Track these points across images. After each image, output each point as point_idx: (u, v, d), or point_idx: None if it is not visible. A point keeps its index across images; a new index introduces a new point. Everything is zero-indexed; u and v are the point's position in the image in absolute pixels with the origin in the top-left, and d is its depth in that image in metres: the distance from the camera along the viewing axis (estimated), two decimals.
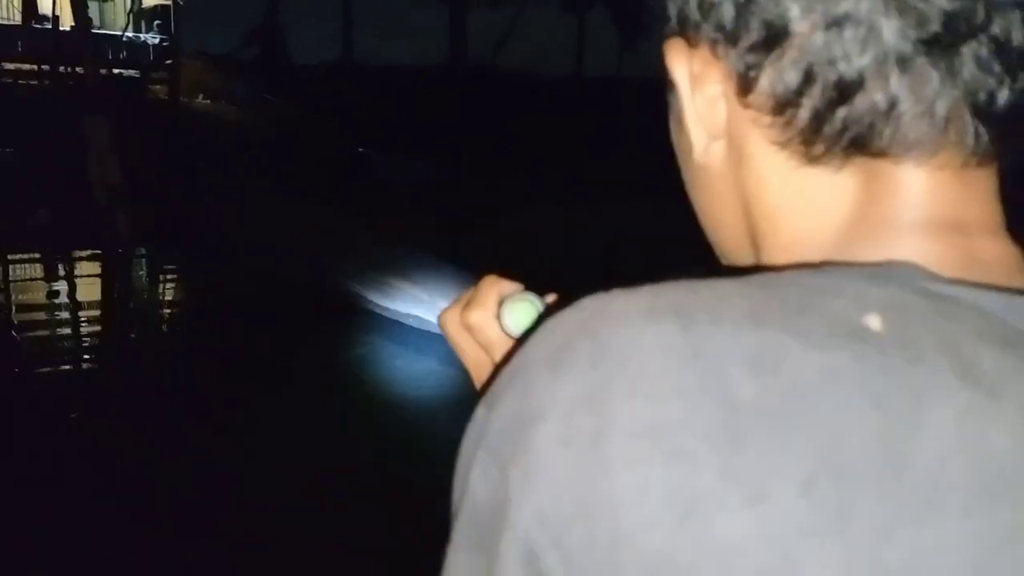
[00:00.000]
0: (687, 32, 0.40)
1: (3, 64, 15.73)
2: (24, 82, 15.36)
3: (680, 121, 0.43)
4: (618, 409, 0.30)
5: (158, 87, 17.23)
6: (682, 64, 0.40)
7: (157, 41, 17.89)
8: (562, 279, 0.58)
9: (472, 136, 16.17)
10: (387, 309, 6.30)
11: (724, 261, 0.47)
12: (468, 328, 0.55)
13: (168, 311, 7.57)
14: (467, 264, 6.12)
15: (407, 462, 4.00)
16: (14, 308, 7.22)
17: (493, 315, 0.53)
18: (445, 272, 6.24)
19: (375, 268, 6.69)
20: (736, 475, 0.29)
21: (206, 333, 6.45)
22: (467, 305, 0.55)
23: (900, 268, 0.35)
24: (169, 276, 8.88)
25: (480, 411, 0.35)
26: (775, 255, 0.40)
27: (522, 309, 0.51)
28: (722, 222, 0.44)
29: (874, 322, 0.31)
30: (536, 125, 16.90)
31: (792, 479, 0.28)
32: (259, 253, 7.38)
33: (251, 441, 4.19)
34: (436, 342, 5.53)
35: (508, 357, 0.36)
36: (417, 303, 6.05)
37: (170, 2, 18.15)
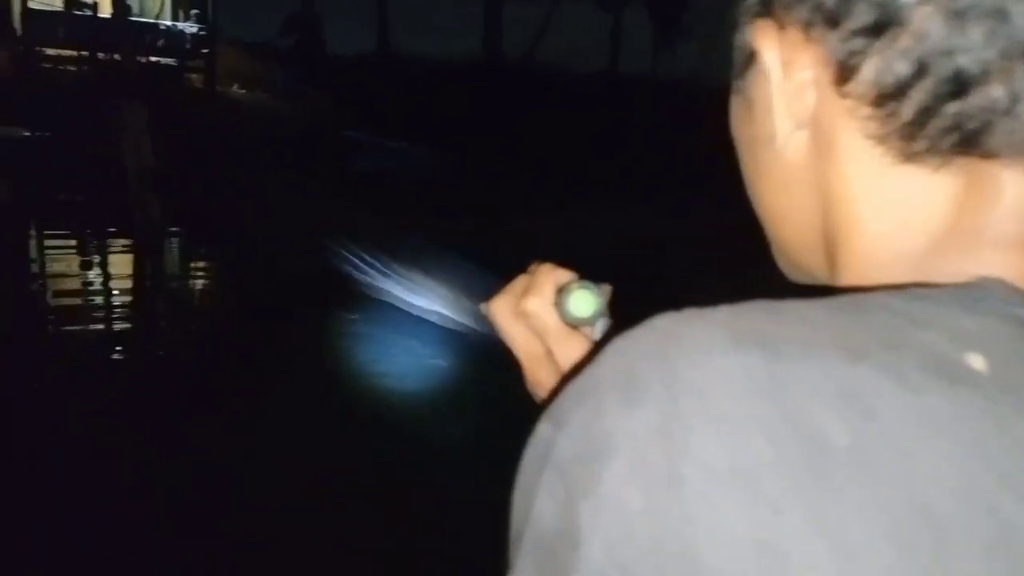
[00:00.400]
0: (774, 12, 0.37)
1: (44, 50, 16.05)
2: (64, 68, 15.66)
3: (754, 108, 0.40)
4: (696, 445, 0.28)
5: (194, 76, 17.45)
6: (772, 47, 0.37)
7: (194, 30, 18.07)
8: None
9: (504, 131, 16.14)
10: (410, 305, 6.30)
11: (784, 263, 0.44)
12: (524, 315, 0.54)
13: (189, 298, 7.65)
14: (492, 262, 6.11)
15: (414, 462, 3.98)
16: (46, 286, 7.36)
17: (550, 302, 0.53)
18: (469, 270, 6.24)
19: (399, 263, 6.70)
20: (823, 523, 0.26)
21: (221, 322, 6.54)
22: (523, 293, 0.54)
23: (994, 291, 0.31)
24: (195, 262, 8.99)
25: (545, 428, 0.33)
26: (851, 261, 0.37)
27: (583, 297, 0.52)
28: (792, 220, 0.41)
29: (973, 362, 0.29)
30: (568, 122, 16.83)
31: (883, 532, 0.26)
32: (283, 244, 7.43)
33: (254, 437, 4.17)
34: (455, 339, 5.58)
35: (575, 370, 0.34)
36: (440, 300, 6.05)
37: None
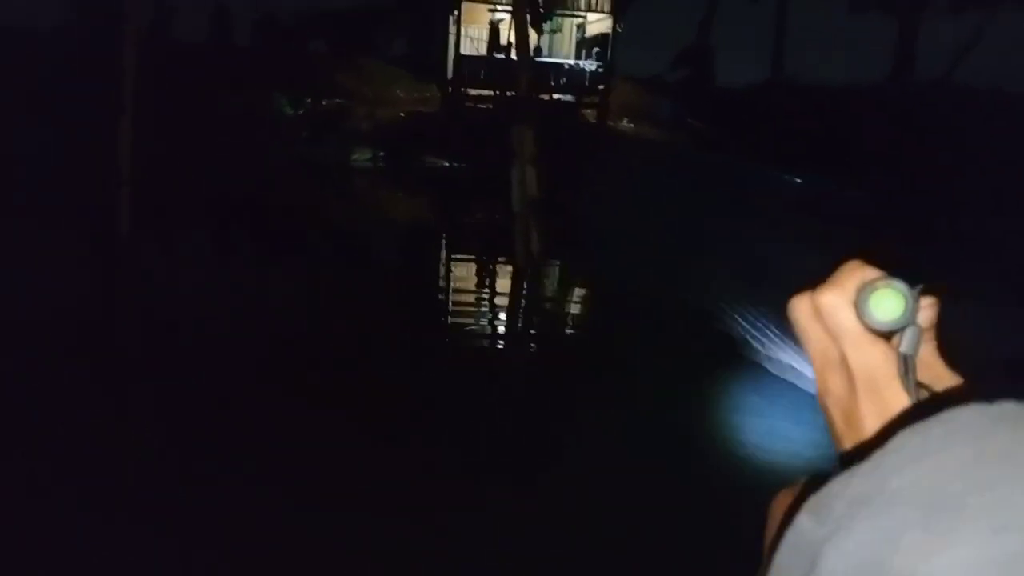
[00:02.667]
0: None
1: (469, 90, 18.44)
2: (483, 106, 17.80)
3: None
4: None
5: (589, 110, 18.53)
6: None
7: (594, 67, 19.19)
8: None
9: (920, 162, 14.24)
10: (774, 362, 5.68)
11: None
12: (818, 310, 0.46)
13: (557, 324, 7.89)
14: None
15: None
16: (448, 291, 8.23)
17: (850, 300, 0.46)
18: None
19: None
20: None
21: (581, 354, 6.56)
22: (822, 286, 0.47)
23: None
24: (571, 290, 9.32)
25: (809, 525, 0.29)
26: None
27: (889, 297, 0.45)
28: None
29: None
30: (1005, 151, 14.27)
31: None
32: (667, 282, 7.30)
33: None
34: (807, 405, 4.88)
35: (857, 453, 0.30)
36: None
37: (610, 31, 19.35)
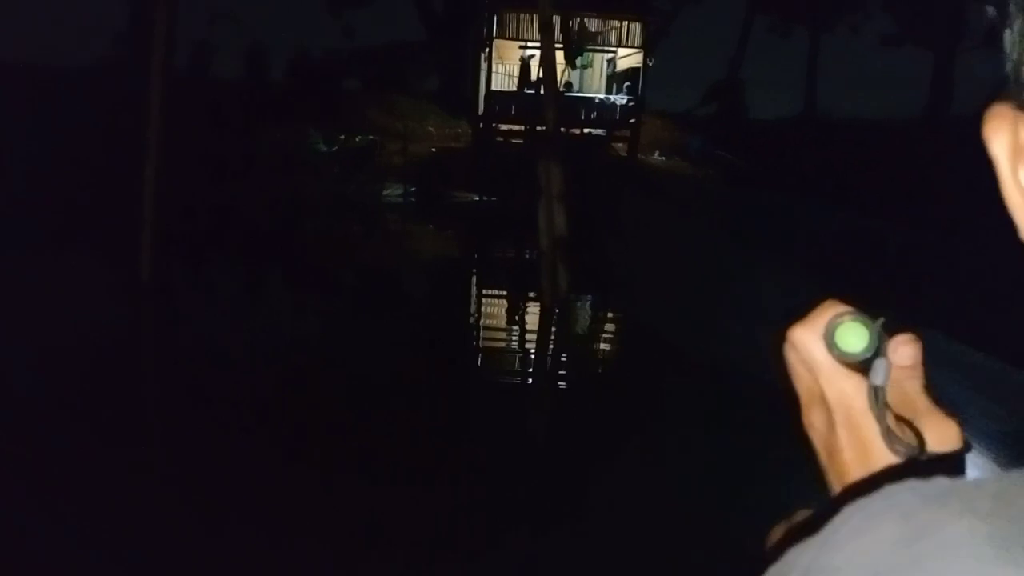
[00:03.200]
0: (1021, 95, 0.33)
1: (499, 125, 18.59)
2: (514, 141, 17.92)
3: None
4: None
5: (620, 144, 18.55)
6: (1004, 133, 0.34)
7: (624, 102, 19.23)
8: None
9: (954, 196, 13.95)
10: None
11: None
12: (792, 346, 0.49)
13: (584, 361, 7.79)
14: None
15: None
16: (479, 328, 8.20)
17: (819, 334, 0.48)
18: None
19: None
20: None
21: (608, 392, 6.46)
22: (796, 323, 0.50)
23: None
24: (598, 327, 9.22)
25: None
26: None
27: (851, 329, 0.47)
28: None
29: None
30: None
31: None
32: (697, 319, 7.18)
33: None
34: None
35: (810, 524, 0.31)
36: None
37: (640, 65, 19.42)
